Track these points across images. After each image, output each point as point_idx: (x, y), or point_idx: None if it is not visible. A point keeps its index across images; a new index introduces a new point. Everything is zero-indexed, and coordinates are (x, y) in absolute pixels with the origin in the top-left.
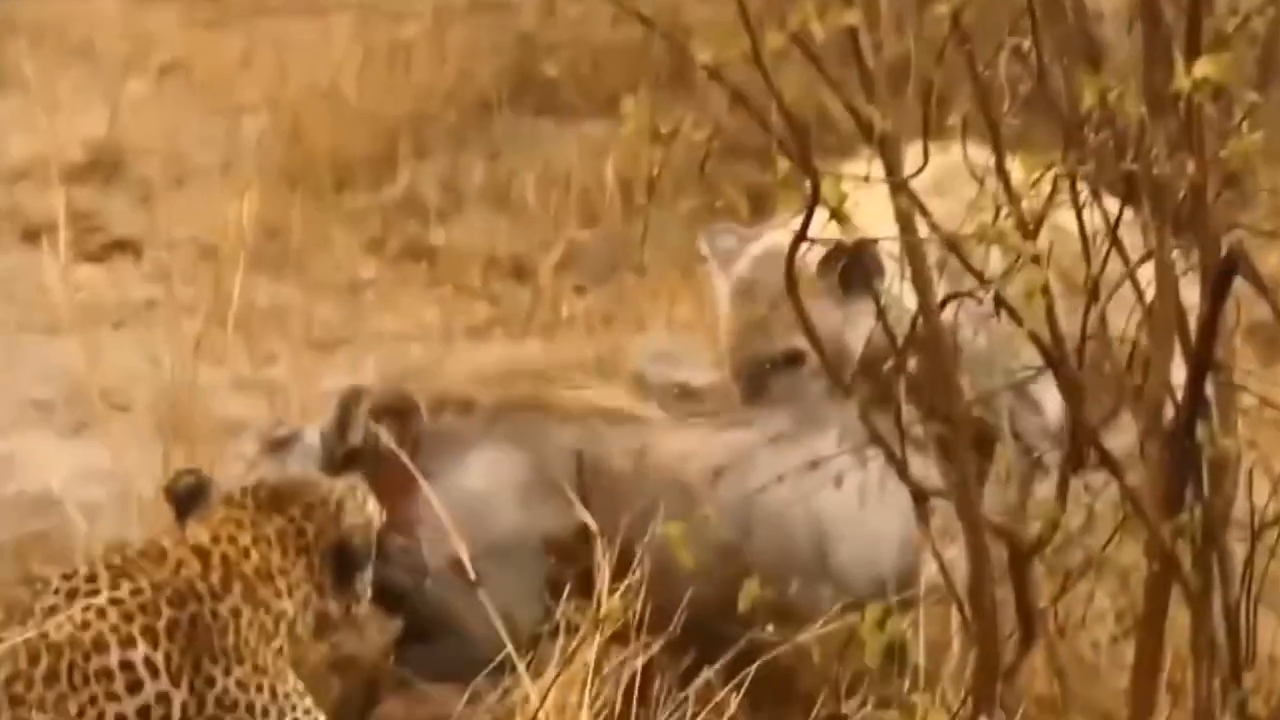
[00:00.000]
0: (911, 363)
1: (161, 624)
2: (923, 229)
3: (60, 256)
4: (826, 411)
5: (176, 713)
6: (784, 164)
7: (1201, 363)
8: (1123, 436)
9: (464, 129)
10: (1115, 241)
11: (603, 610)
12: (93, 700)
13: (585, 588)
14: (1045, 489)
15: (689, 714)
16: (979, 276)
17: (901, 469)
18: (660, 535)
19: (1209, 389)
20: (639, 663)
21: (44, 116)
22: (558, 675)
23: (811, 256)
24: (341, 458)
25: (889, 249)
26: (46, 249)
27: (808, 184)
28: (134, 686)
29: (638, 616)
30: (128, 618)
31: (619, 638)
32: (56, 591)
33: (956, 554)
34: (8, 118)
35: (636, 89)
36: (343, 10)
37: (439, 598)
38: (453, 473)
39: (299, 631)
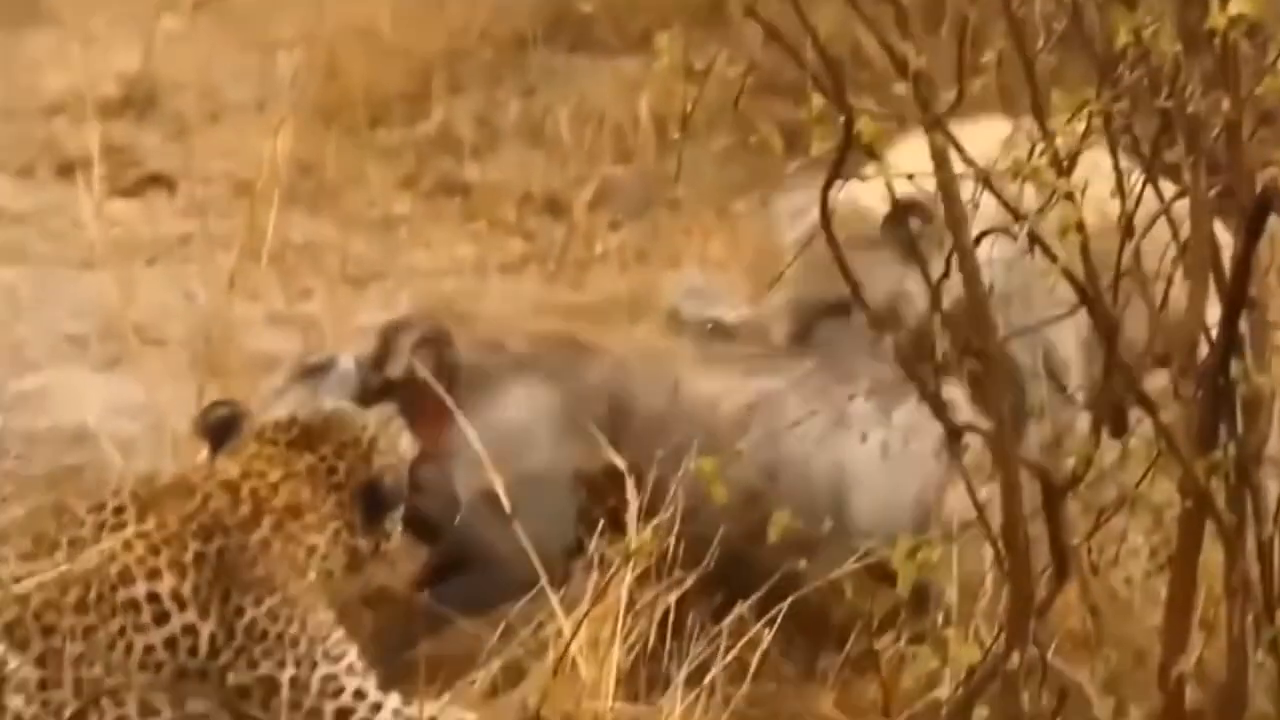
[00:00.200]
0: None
1: (188, 557)
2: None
3: (95, 191)
4: (858, 364)
5: (205, 644)
6: (818, 100)
7: (1236, 300)
8: (1157, 375)
9: (499, 65)
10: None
11: (634, 545)
12: (121, 631)
13: (617, 523)
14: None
15: (721, 649)
16: (1014, 213)
17: (936, 406)
18: (690, 474)
19: (1243, 327)
20: (672, 598)
21: (79, 51)
22: (590, 610)
23: (880, 209)
24: (377, 388)
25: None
26: (81, 184)
27: (841, 121)
28: (160, 618)
29: (670, 552)
30: (154, 551)
31: (651, 573)
32: (83, 524)
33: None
34: (43, 53)
35: (671, 25)
36: None
37: (470, 528)
38: (487, 405)
39: (330, 566)
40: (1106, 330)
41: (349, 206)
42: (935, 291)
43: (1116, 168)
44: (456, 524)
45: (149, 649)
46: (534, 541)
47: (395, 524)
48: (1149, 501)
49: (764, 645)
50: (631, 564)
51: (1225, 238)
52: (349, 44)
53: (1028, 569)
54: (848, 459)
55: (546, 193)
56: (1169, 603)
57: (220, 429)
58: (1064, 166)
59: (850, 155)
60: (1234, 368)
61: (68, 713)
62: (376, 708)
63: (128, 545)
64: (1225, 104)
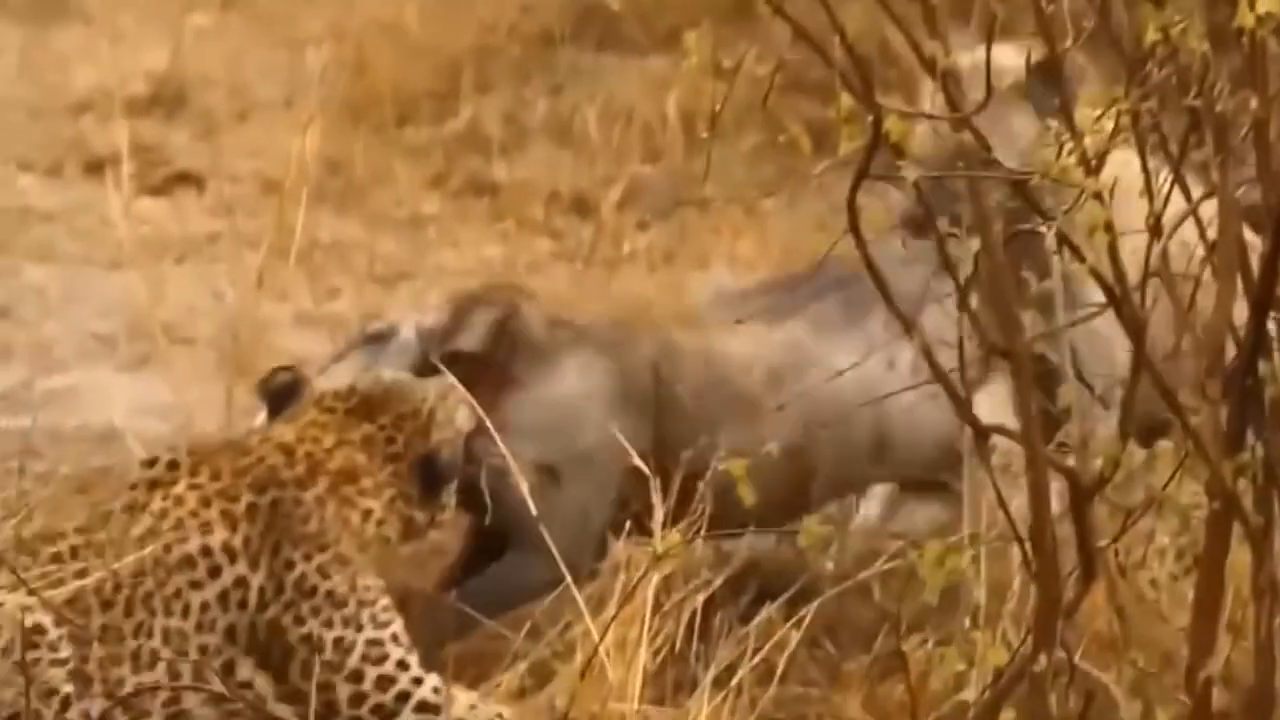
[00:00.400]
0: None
1: (240, 508)
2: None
3: (123, 190)
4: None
5: (254, 597)
6: (847, 99)
7: (1263, 301)
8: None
9: (527, 63)
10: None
11: (662, 546)
12: (177, 593)
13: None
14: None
15: (749, 651)
16: (1042, 214)
17: (961, 406)
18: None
19: (1271, 328)
20: (699, 599)
21: (107, 49)
22: (617, 611)
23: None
24: (440, 359)
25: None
26: (110, 182)
27: (870, 119)
28: (214, 572)
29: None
30: (206, 503)
31: (679, 574)
32: (135, 486)
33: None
34: (71, 50)
35: (699, 23)
36: None
37: (519, 502)
38: (544, 381)
39: (387, 533)
40: (1134, 331)
41: (377, 205)
42: (963, 293)
43: (1144, 167)
44: (506, 498)
45: (204, 606)
46: (578, 515)
47: (451, 496)
48: (1176, 503)
49: (791, 647)
50: (659, 565)
51: (1253, 238)
52: (377, 42)
53: (1055, 571)
54: (880, 388)
55: (574, 192)
56: (1196, 605)
57: (280, 395)
58: (1092, 165)
59: (878, 154)
60: (1262, 369)
61: (128, 685)
62: (418, 682)
63: (179, 499)
64: (1253, 103)
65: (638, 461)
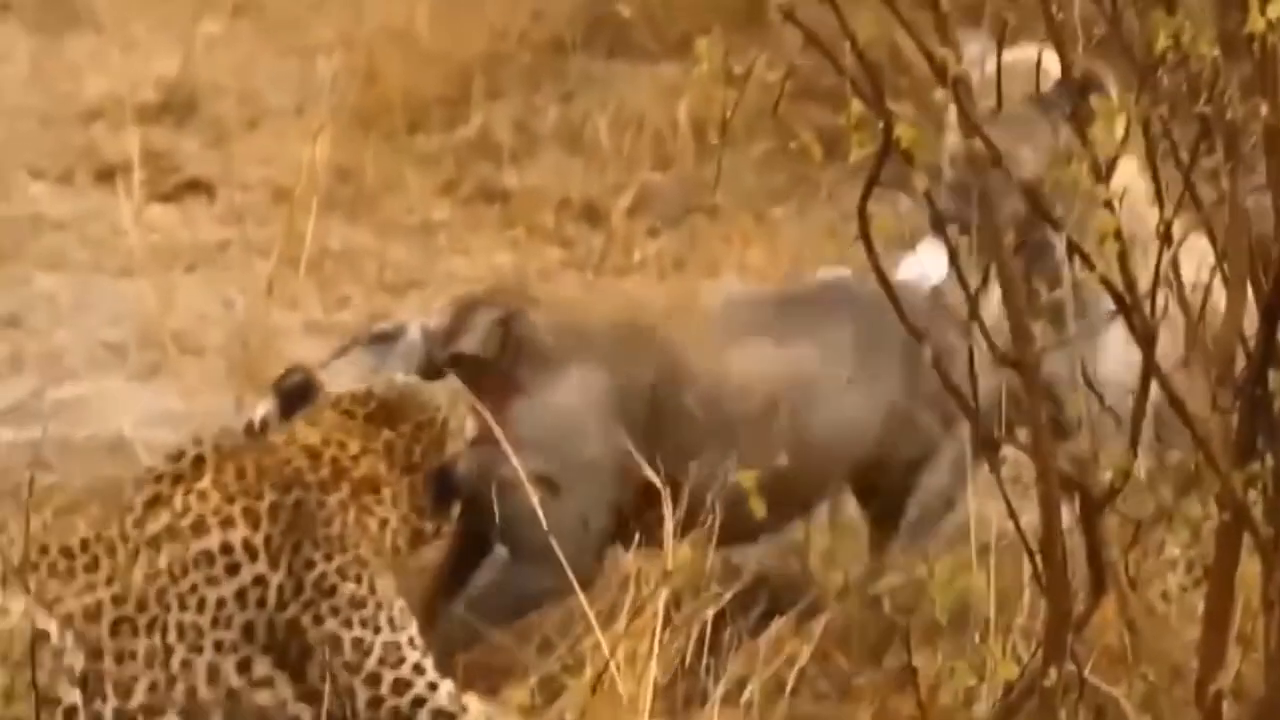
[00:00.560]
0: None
1: (264, 506)
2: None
3: (134, 198)
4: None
5: (273, 595)
6: (857, 106)
7: (1274, 310)
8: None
9: (538, 70)
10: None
11: (671, 561)
12: (193, 588)
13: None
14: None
15: (759, 665)
16: (1054, 223)
17: (973, 419)
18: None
19: None
20: (709, 613)
21: (118, 56)
22: (627, 625)
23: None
24: (444, 361)
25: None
26: (120, 190)
27: (881, 126)
28: (232, 569)
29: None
30: (229, 499)
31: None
32: (160, 479)
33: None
34: (82, 58)
35: (710, 30)
36: None
37: (515, 506)
38: (548, 387)
39: (399, 542)
40: (1144, 339)
41: (387, 213)
42: (973, 303)
43: (1154, 173)
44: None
45: (221, 603)
46: (576, 527)
47: (457, 508)
48: (1186, 515)
49: (802, 661)
50: (669, 579)
51: None
52: (388, 49)
53: (1065, 584)
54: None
55: (585, 199)
56: (1206, 617)
57: (293, 395)
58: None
59: (889, 161)
60: (1272, 379)
61: (141, 686)
62: (433, 687)
63: (203, 495)
64: (1264, 109)
65: (650, 474)
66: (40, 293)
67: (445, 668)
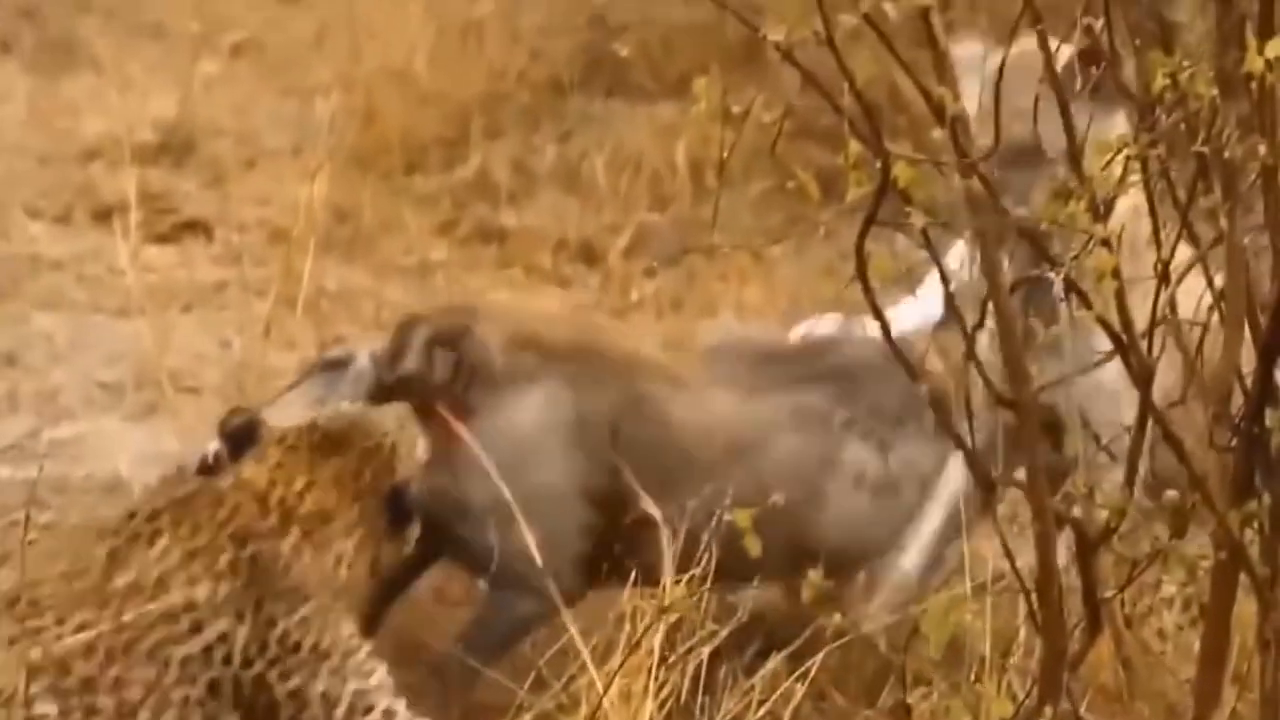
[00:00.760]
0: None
1: (223, 563)
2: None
3: (131, 238)
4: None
5: (238, 653)
6: (855, 146)
7: (1271, 349)
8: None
9: (536, 110)
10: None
11: (667, 599)
12: (159, 644)
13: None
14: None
15: (754, 703)
16: (1050, 260)
17: (970, 457)
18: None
19: (1279, 376)
20: (705, 651)
21: (116, 96)
22: (622, 663)
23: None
24: (392, 385)
25: None
26: (118, 230)
27: (878, 166)
28: (197, 627)
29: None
30: (189, 556)
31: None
32: (118, 533)
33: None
34: (80, 97)
35: (708, 70)
36: None
37: (476, 535)
38: (501, 408)
39: (357, 573)
40: (1140, 379)
41: (385, 253)
42: (970, 342)
43: (1153, 212)
44: (464, 533)
45: (186, 660)
46: (540, 552)
47: (415, 531)
48: (1182, 554)
49: (797, 699)
50: (664, 617)
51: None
52: (386, 90)
53: (1061, 622)
54: (833, 499)
55: (582, 239)
56: (1202, 656)
57: (239, 436)
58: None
59: (886, 200)
60: (1269, 417)
61: None
62: None
63: (164, 553)
64: (1262, 149)
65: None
66: (37, 332)
67: (443, 709)
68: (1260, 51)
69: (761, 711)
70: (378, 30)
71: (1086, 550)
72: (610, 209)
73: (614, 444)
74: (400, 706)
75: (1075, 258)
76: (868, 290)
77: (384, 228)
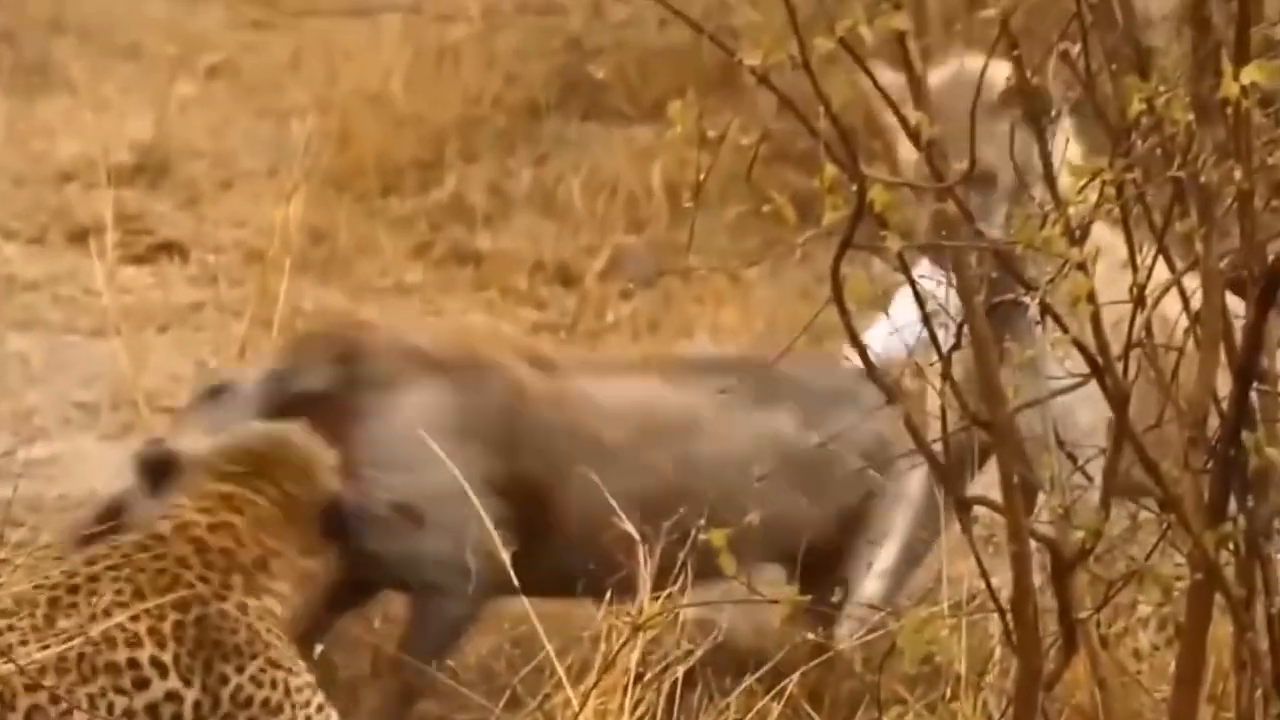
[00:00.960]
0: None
1: (167, 626)
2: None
3: (107, 259)
4: (780, 387)
5: (189, 711)
6: (831, 169)
7: (1247, 372)
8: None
9: (511, 133)
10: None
11: (643, 616)
12: (102, 692)
13: (536, 529)
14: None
15: None
16: (1025, 284)
17: (943, 476)
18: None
19: (1254, 399)
20: (680, 669)
21: (91, 118)
22: (598, 681)
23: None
24: (283, 404)
25: None
26: (93, 251)
27: (854, 189)
28: (141, 684)
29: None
30: (133, 617)
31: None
32: (55, 588)
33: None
34: (55, 119)
35: (684, 93)
36: (391, 12)
37: (385, 542)
38: (390, 412)
39: (295, 602)
40: (1117, 402)
41: (361, 275)
42: (945, 364)
43: (1129, 238)
44: (370, 538)
45: (129, 713)
46: (445, 547)
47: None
48: (1158, 574)
49: (772, 718)
50: (640, 634)
51: (1237, 308)
52: (362, 112)
53: (1036, 642)
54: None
55: (558, 261)
56: (1177, 676)
57: (155, 468)
58: (1076, 236)
59: (862, 224)
60: (1245, 439)
61: None
62: None
63: (107, 611)
64: (1238, 174)
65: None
66: (12, 353)
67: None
68: (1235, 77)
69: None
70: (353, 53)
71: (1062, 570)
72: (586, 231)
73: (509, 431)
74: None
75: (1051, 281)
76: (844, 313)
77: (359, 249)
